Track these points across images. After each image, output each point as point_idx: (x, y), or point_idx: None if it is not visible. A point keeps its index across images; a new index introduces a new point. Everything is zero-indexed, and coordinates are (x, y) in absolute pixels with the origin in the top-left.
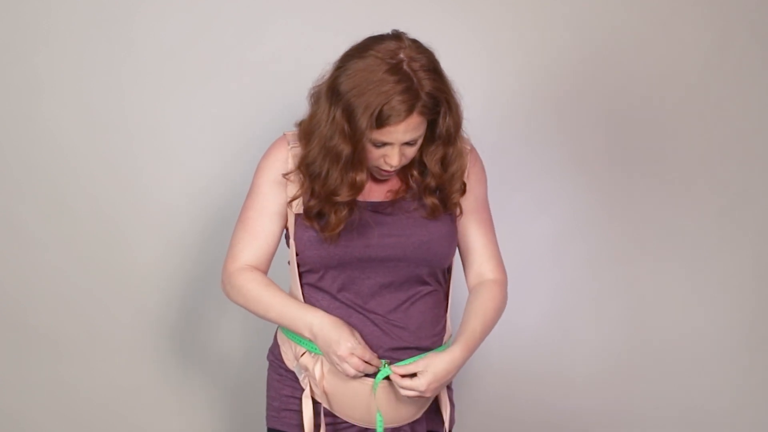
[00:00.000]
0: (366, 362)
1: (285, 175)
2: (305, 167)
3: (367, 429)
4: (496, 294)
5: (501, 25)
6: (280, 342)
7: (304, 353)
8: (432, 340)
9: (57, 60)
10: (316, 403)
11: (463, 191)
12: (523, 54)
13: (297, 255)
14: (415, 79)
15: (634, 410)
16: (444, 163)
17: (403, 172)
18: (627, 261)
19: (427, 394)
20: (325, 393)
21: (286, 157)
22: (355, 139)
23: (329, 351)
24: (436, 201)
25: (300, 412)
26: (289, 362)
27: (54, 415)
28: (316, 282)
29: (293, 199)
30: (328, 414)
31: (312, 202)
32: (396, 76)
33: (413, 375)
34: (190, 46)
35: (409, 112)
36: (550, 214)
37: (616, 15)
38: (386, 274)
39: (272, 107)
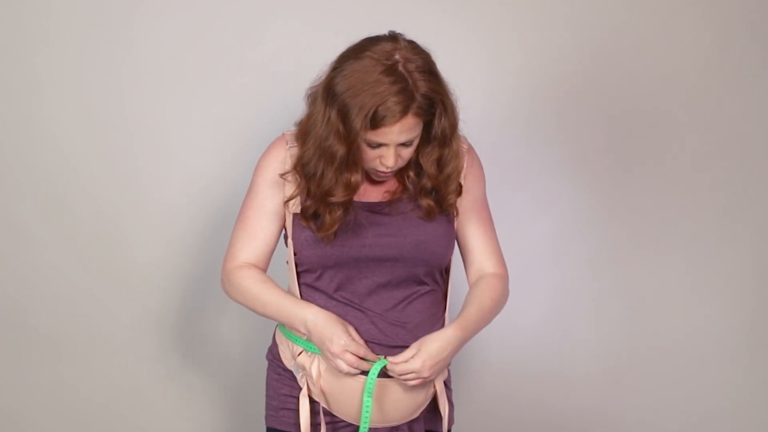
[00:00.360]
0: (361, 358)
1: (282, 175)
2: (301, 167)
3: None
4: (495, 285)
5: (501, 25)
6: (278, 341)
7: (301, 352)
8: None
9: (57, 60)
10: (314, 403)
11: (459, 192)
12: (523, 54)
13: (295, 255)
14: (410, 81)
15: (634, 410)
16: (440, 164)
17: (400, 173)
18: (627, 261)
19: (425, 374)
20: (323, 392)
21: (284, 157)
22: (350, 139)
23: (323, 347)
24: (431, 202)
25: (298, 411)
26: (287, 361)
27: (54, 415)
28: (314, 281)
29: (290, 198)
30: (327, 413)
31: (308, 203)
32: (391, 77)
33: None
34: (190, 46)
35: (404, 113)
36: (550, 214)
37: (616, 15)
38: (383, 274)
39: (272, 107)
